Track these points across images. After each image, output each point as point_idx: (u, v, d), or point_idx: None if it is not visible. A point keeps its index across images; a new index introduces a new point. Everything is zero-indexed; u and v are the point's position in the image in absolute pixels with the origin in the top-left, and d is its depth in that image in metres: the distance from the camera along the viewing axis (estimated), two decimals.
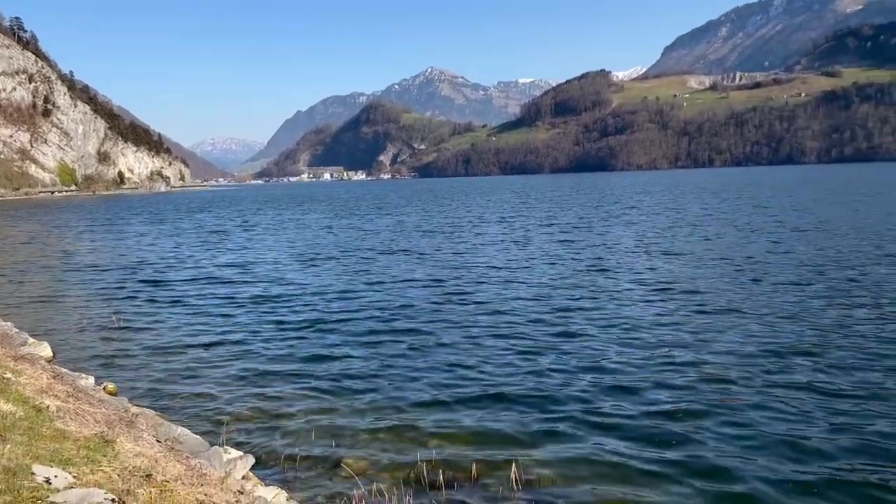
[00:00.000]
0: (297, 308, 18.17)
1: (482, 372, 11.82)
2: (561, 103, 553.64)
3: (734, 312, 15.66)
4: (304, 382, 11.58)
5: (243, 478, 7.39)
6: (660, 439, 8.72)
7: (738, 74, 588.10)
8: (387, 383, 11.40)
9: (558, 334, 14.28)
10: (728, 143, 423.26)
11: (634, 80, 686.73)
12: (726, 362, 11.82)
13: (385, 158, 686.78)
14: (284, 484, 7.78)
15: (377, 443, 9.00)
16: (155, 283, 23.64)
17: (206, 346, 14.34)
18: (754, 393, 10.24)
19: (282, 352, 13.65)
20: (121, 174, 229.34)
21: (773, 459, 8.04)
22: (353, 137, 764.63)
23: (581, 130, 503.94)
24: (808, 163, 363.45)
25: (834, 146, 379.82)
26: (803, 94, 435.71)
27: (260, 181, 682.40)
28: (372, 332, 15.11)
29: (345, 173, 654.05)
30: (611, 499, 7.34)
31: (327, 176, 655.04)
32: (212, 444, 8.19)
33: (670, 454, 8.28)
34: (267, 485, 7.47)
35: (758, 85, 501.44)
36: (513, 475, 7.73)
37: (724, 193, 79.16)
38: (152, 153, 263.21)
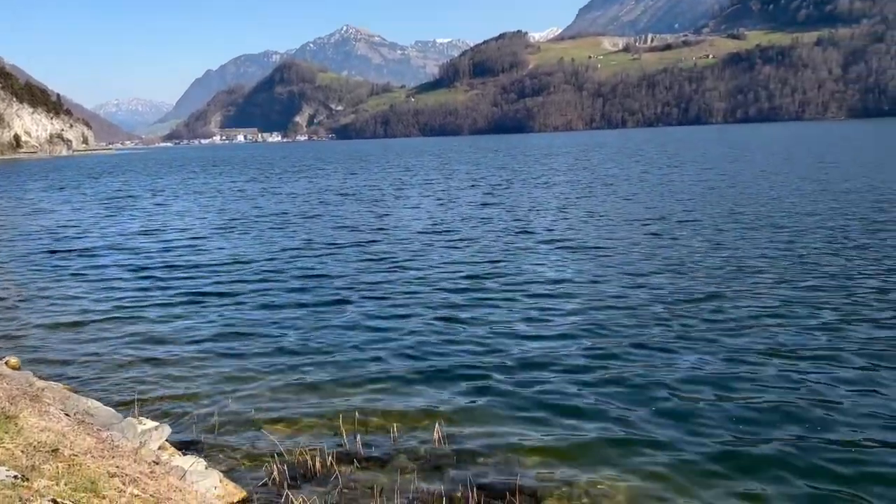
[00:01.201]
0: (211, 277, 17.68)
1: (403, 336, 11.83)
2: (479, 64, 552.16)
3: (649, 272, 16.14)
4: (221, 352, 11.35)
5: (160, 448, 7.23)
6: (577, 398, 8.92)
7: (649, 36, 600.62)
8: (307, 351, 11.28)
9: (481, 297, 14.38)
10: (640, 104, 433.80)
11: (550, 41, 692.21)
12: (640, 322, 12.13)
13: (301, 120, 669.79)
14: (203, 452, 7.67)
15: (298, 409, 8.95)
16: (57, 253, 22.50)
17: (116, 318, 13.82)
18: (671, 350, 10.58)
19: (196, 322, 13.30)
20: (17, 137, 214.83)
21: (681, 420, 8.28)
22: (268, 98, 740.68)
23: (499, 92, 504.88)
24: (714, 123, 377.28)
25: (739, 107, 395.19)
26: (711, 56, 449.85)
27: (169, 144, 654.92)
28: (289, 299, 14.88)
29: (259, 135, 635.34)
30: (530, 456, 7.50)
31: (241, 138, 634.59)
32: (125, 416, 7.96)
33: (586, 412, 8.53)
34: (185, 454, 7.35)
35: (668, 47, 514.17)
36: (435, 435, 7.84)
37: (638, 154, 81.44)
38: (51, 115, 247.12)
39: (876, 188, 31.33)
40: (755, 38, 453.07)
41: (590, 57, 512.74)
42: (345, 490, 6.88)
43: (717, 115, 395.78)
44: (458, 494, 6.71)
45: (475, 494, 6.57)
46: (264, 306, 14.30)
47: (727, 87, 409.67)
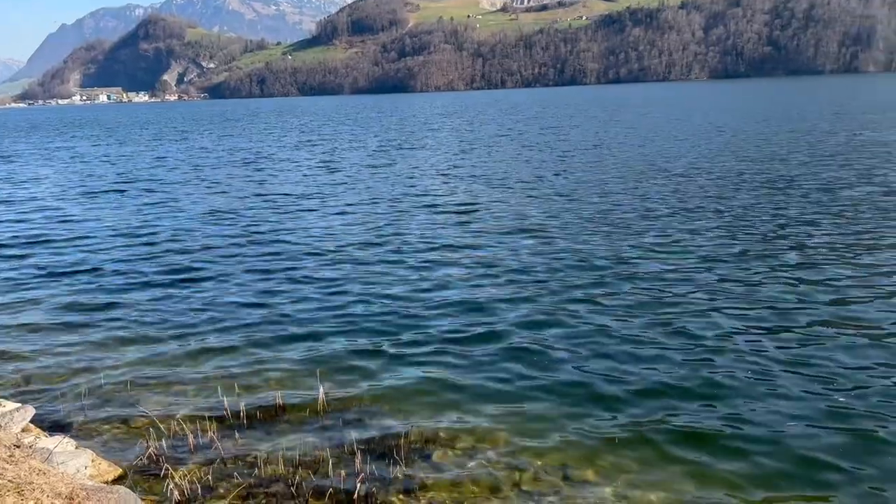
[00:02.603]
0: (73, 251, 16.47)
1: (283, 304, 11.61)
2: (357, 21, 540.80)
3: (529, 232, 16.52)
4: (89, 329, 10.75)
5: (23, 431, 6.84)
6: (461, 356, 9.13)
7: None
8: (181, 322, 10.90)
9: (365, 262, 14.30)
10: (518, 64, 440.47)
11: None
12: (521, 281, 12.44)
13: (170, 78, 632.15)
14: (74, 432, 7.34)
15: (175, 381, 8.70)
16: None
17: None
18: (553, 307, 10.91)
19: (59, 298, 12.47)
20: None
21: (575, 373, 8.62)
22: (132, 55, 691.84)
23: (380, 50, 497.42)
24: (588, 83, 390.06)
25: (611, 68, 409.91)
26: (584, 18, 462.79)
27: (22, 104, 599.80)
28: (161, 270, 14.23)
29: (124, 95, 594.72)
30: (416, 413, 7.66)
31: (104, 98, 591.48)
32: None
33: (469, 369, 8.77)
34: (52, 435, 6.99)
35: (544, 7, 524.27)
36: (319, 397, 7.85)
37: (517, 115, 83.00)
38: None
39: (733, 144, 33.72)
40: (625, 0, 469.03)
41: (468, 16, 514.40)
42: (227, 458, 6.81)
43: (590, 76, 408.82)
44: (344, 454, 6.79)
45: (361, 454, 6.67)
46: (134, 279, 13.59)
47: (600, 49, 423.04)
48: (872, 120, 46.93)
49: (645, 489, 6.20)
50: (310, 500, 6.13)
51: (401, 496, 6.14)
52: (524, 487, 6.26)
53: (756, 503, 5.97)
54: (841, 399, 7.58)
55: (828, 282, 11.63)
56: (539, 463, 6.64)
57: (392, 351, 9.45)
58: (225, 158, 39.68)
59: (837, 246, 13.90)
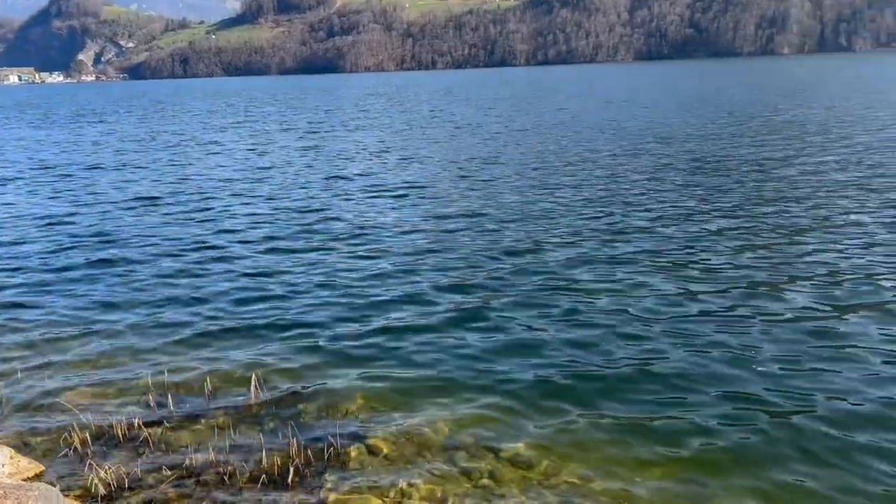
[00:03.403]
0: None
1: (213, 300, 11.16)
2: (284, 0, 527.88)
3: (471, 216, 16.36)
4: (3, 330, 10.18)
5: None
6: (396, 345, 9.03)
7: None
8: (103, 315, 10.50)
9: (297, 251, 13.95)
10: (449, 45, 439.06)
11: None
12: (463, 265, 12.34)
13: (86, 58, 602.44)
14: None
15: (99, 376, 8.38)
16: None
17: None
18: (491, 299, 10.71)
19: None
20: None
21: (512, 361, 8.57)
22: (44, 33, 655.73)
23: (307, 30, 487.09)
24: (518, 65, 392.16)
25: (539, 49, 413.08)
26: None
27: None
28: (79, 261, 13.63)
29: (37, 75, 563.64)
30: (352, 402, 7.60)
31: (14, 78, 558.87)
32: None
33: (406, 357, 8.71)
34: None
35: None
36: (252, 388, 7.70)
37: (450, 96, 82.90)
38: None
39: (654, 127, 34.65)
40: None
41: None
42: (155, 453, 6.65)
43: (520, 57, 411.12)
44: (278, 444, 6.69)
45: (295, 443, 6.57)
46: (53, 272, 12.92)
47: (529, 30, 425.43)
48: (791, 101, 48.97)
49: (583, 478, 6.17)
50: (242, 486, 6.07)
51: (335, 482, 6.11)
52: (462, 477, 6.22)
53: (696, 491, 6.05)
54: (762, 369, 7.93)
55: (752, 263, 12.01)
56: (479, 454, 6.59)
57: (328, 344, 9.20)
58: (147, 141, 38.25)
59: (763, 227, 14.45)
